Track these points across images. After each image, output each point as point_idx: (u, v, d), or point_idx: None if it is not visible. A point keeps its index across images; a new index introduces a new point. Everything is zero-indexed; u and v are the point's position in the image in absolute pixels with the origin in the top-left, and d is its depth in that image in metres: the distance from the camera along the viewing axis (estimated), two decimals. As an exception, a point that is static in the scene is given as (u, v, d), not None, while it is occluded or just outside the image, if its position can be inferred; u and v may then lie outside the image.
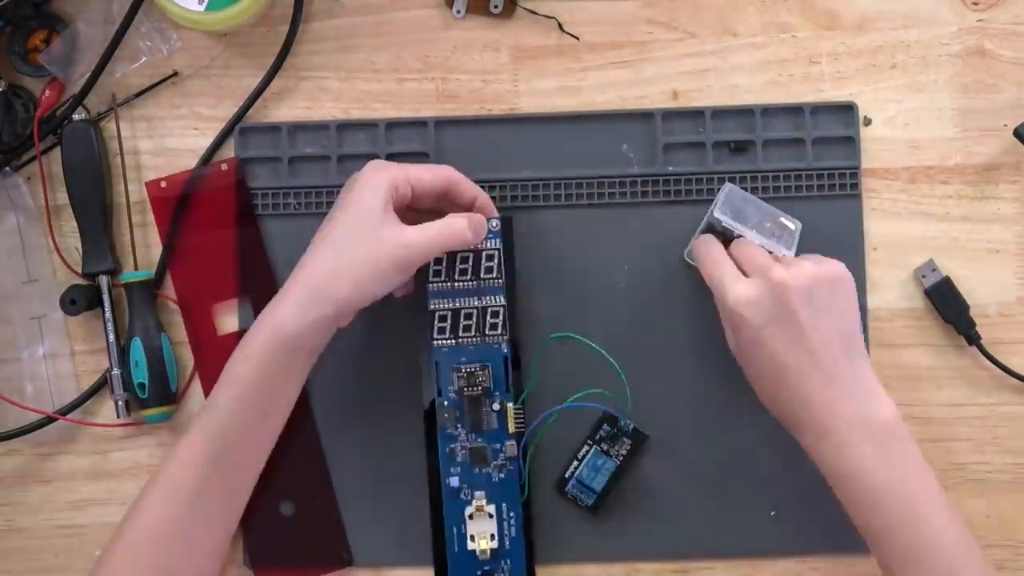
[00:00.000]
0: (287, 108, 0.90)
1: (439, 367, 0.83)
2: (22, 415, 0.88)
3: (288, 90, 0.90)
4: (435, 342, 0.83)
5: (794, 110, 0.88)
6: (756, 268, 0.78)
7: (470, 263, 0.83)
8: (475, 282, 0.83)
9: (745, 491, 0.86)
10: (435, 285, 0.83)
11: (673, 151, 0.88)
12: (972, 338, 0.86)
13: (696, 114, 0.88)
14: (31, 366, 0.89)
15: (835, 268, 0.78)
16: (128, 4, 0.88)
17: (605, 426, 0.86)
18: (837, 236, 0.87)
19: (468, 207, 0.83)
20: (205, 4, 0.85)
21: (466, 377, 0.83)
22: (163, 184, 0.89)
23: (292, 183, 0.89)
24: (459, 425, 0.83)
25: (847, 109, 0.88)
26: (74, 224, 0.89)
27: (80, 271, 0.88)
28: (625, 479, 0.86)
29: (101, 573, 0.77)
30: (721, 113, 0.88)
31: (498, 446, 0.83)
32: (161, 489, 0.78)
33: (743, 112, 0.88)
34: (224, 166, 0.89)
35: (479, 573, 0.84)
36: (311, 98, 0.90)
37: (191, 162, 0.89)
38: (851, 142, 0.87)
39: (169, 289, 0.89)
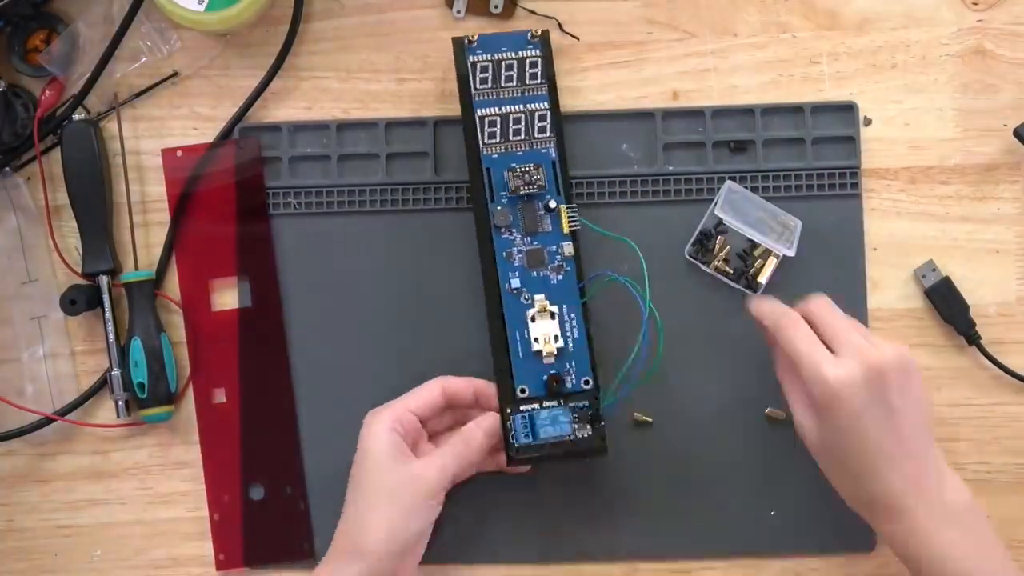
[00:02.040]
0: (287, 108, 0.90)
1: (490, 172, 0.84)
2: (22, 415, 0.88)
3: (288, 90, 0.90)
4: (484, 148, 0.84)
5: (794, 110, 0.88)
6: (848, 347, 0.76)
7: (515, 71, 0.85)
8: (520, 89, 0.85)
9: (745, 491, 0.86)
10: (482, 93, 0.85)
11: (673, 151, 0.88)
12: (972, 338, 0.86)
13: (696, 114, 0.88)
14: (31, 366, 0.89)
15: (910, 357, 0.77)
16: (128, 4, 0.88)
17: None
18: (837, 236, 0.87)
19: (471, 404, 0.84)
20: (205, 4, 0.85)
21: (521, 176, 0.83)
22: (179, 154, 0.89)
23: (292, 183, 0.89)
24: (514, 230, 0.84)
25: (847, 109, 0.88)
26: (74, 224, 0.89)
27: (80, 271, 0.88)
28: (626, 478, 0.86)
29: None
30: (721, 113, 0.88)
31: (554, 248, 0.84)
32: None
33: (743, 112, 0.88)
34: (242, 143, 0.89)
35: (545, 377, 0.82)
36: (311, 98, 0.90)
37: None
38: (851, 142, 0.87)
39: (169, 289, 0.89)
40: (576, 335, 0.83)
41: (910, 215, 0.88)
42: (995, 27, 0.88)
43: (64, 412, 0.88)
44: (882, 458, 0.75)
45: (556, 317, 0.83)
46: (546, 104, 0.85)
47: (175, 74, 0.90)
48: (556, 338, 0.82)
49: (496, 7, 0.89)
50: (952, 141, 0.88)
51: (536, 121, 0.84)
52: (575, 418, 0.82)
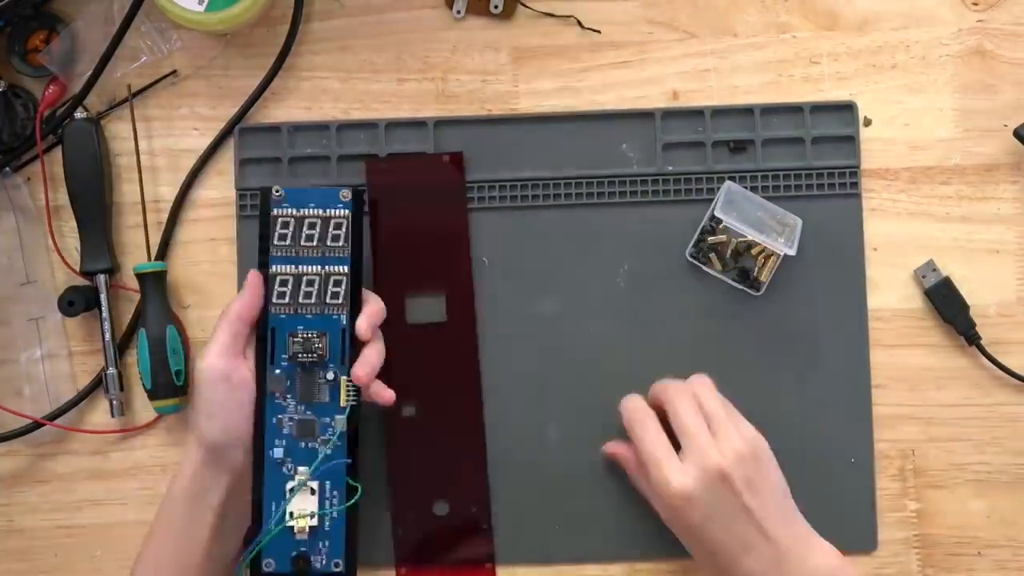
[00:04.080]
0: (287, 108, 0.90)
1: (275, 332, 0.80)
2: (28, 413, 0.88)
3: (288, 90, 0.90)
4: (273, 307, 0.81)
5: (794, 109, 0.88)
6: (691, 450, 0.78)
7: (317, 230, 0.81)
8: (320, 249, 0.81)
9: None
10: (279, 249, 0.81)
11: (673, 151, 0.88)
12: (972, 338, 0.86)
13: (696, 114, 0.88)
14: (29, 367, 0.89)
15: (756, 437, 0.80)
16: (128, 4, 0.88)
17: None
18: (837, 236, 0.87)
19: None
20: (205, 4, 0.85)
21: (302, 343, 0.80)
22: (383, 165, 0.88)
23: (292, 184, 0.89)
24: (288, 396, 0.80)
25: (847, 108, 0.88)
26: (74, 224, 0.89)
27: (78, 270, 0.88)
28: (626, 477, 0.86)
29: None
30: (721, 112, 0.88)
31: (328, 420, 0.80)
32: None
33: (743, 111, 0.88)
34: (446, 158, 0.88)
35: (294, 553, 0.80)
36: (311, 98, 0.90)
37: (190, 162, 0.89)
38: (851, 141, 0.87)
39: (175, 280, 0.90)
40: (335, 515, 0.80)
41: (910, 215, 0.88)
42: (995, 27, 0.88)
43: (60, 412, 0.88)
44: (738, 548, 0.77)
45: (316, 493, 0.80)
46: (345, 268, 0.81)
47: (174, 72, 0.90)
48: (313, 515, 0.79)
49: (496, 7, 0.89)
50: (952, 141, 0.88)
51: (331, 286, 0.81)
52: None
